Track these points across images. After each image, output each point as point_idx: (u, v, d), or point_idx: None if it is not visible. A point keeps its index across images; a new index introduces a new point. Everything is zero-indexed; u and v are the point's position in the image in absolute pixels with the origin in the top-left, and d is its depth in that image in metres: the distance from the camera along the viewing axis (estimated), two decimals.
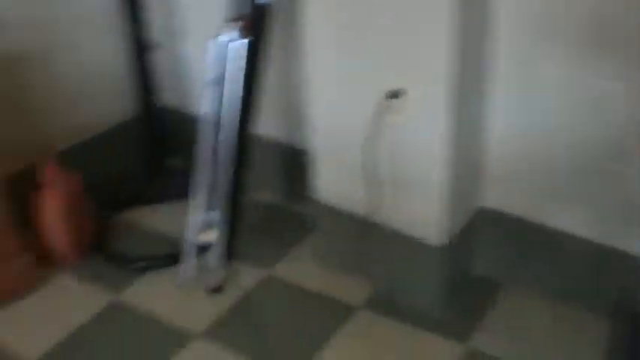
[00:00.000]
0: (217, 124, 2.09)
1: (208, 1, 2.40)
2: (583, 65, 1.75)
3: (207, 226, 2.18)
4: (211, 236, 2.18)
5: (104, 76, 2.66)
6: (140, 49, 2.56)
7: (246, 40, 2.00)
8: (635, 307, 1.86)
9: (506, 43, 1.85)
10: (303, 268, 2.26)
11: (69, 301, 2.20)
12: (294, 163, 2.42)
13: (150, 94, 2.63)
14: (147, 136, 2.70)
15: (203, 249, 2.21)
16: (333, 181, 2.11)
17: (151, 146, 2.72)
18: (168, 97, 2.76)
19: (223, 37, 2.02)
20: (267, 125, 2.36)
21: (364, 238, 2.10)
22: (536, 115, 1.88)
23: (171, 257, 2.28)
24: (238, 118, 2.07)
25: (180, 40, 2.69)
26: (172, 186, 2.63)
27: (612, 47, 1.70)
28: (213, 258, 2.20)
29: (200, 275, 2.20)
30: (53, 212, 2.29)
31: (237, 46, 2.00)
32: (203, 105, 2.10)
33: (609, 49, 1.70)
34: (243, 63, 2.00)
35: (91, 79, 2.61)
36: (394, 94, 1.84)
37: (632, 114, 1.73)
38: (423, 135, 1.84)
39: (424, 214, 1.95)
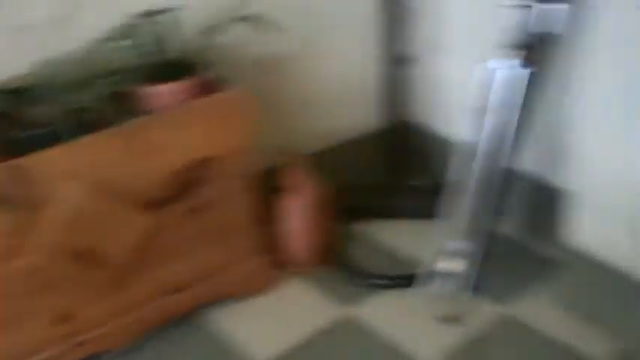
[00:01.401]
0: (479, 153, 2.01)
1: (478, 21, 2.31)
2: None
3: (455, 254, 2.10)
4: (457, 265, 2.11)
5: (356, 85, 2.65)
6: (396, 61, 2.53)
7: (528, 71, 1.90)
8: None
9: None
10: (544, 312, 2.13)
11: (300, 308, 2.21)
12: (546, 201, 2.29)
13: (399, 108, 2.60)
14: (391, 150, 2.67)
15: (444, 276, 2.14)
16: (593, 227, 1.96)
17: (395, 161, 2.69)
18: (418, 113, 2.71)
19: (495, 63, 1.93)
20: (525, 159, 2.25)
21: (620, 292, 1.93)
22: None
23: (407, 279, 2.24)
24: (505, 151, 1.98)
25: (439, 56, 2.62)
26: (413, 204, 2.57)
27: None
28: (456, 288, 2.13)
29: (436, 303, 2.14)
30: (294, 215, 2.31)
31: (518, 75, 1.90)
32: (468, 131, 2.03)
33: None
34: (521, 94, 1.91)
35: (343, 87, 2.62)
36: None
37: None
38: None
39: None
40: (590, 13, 1.77)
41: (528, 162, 2.34)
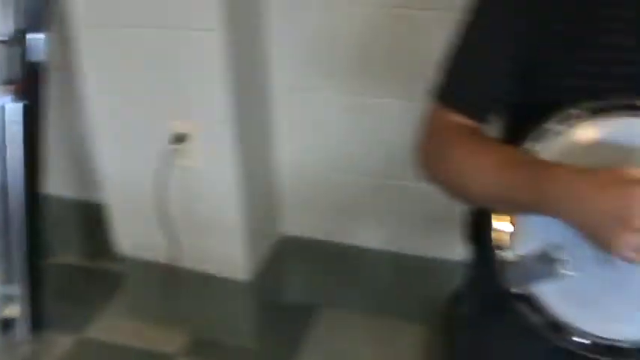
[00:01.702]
0: (3, 190, 1.97)
1: None
2: (354, 90, 1.82)
3: (8, 299, 2.05)
4: (13, 310, 2.05)
5: None
6: None
7: (20, 104, 1.90)
8: (443, 308, 1.94)
9: (284, 77, 1.89)
10: (116, 326, 2.18)
11: None
12: (91, 219, 2.33)
13: None
14: None
15: (7, 324, 2.07)
16: (131, 233, 2.05)
17: None
18: None
19: None
20: (58, 184, 2.26)
21: (172, 285, 2.06)
22: (320, 140, 1.93)
23: None
24: (24, 182, 1.96)
25: None
26: None
27: (375, 71, 1.78)
28: (19, 332, 2.07)
29: (9, 351, 2.07)
30: None
31: (12, 110, 1.90)
32: None
33: (374, 73, 1.78)
34: (20, 127, 1.90)
35: None
36: (179, 139, 1.82)
37: (403, 131, 1.81)
38: (213, 176, 1.83)
39: (226, 252, 1.94)
40: (75, 40, 1.84)
41: (64, 186, 2.36)
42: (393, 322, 2.03)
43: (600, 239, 0.89)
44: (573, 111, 0.98)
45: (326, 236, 2.07)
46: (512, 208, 0.98)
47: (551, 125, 0.99)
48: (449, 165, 1.03)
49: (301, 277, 2.15)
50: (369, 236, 2.03)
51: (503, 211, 1.01)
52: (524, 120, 1.01)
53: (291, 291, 2.18)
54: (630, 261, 0.89)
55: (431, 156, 1.07)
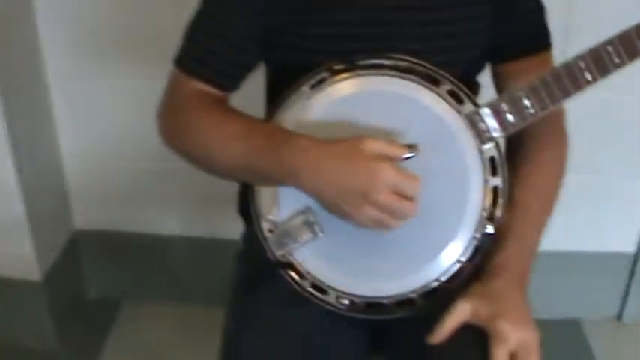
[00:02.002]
0: None
1: None
2: (130, 73, 1.78)
3: None
4: None
5: None
6: None
7: None
8: None
9: (58, 65, 1.81)
10: None
11: None
12: None
13: None
14: None
15: None
16: None
17: None
18: None
19: None
20: None
21: None
22: (104, 128, 1.88)
23: None
24: None
25: None
26: None
27: (150, 52, 1.75)
28: None
29: None
30: None
31: None
32: None
33: (148, 54, 1.75)
34: None
35: None
36: None
37: None
38: None
39: (13, 253, 1.84)
40: None
41: None
42: (196, 308, 2.01)
43: (340, 211, 0.91)
44: (323, 73, 1.00)
45: (121, 226, 2.02)
46: (256, 178, 0.99)
47: (303, 88, 1.00)
48: (191, 135, 1.02)
49: (100, 271, 2.09)
50: (164, 222, 2.00)
51: (248, 181, 1.02)
52: (282, 83, 1.02)
53: (91, 286, 2.11)
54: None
55: (172, 125, 1.06)
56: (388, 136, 0.96)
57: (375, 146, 0.89)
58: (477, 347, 0.96)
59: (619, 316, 2.09)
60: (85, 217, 2.03)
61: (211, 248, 2.00)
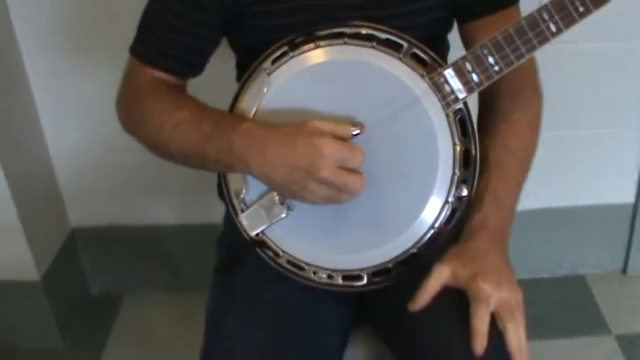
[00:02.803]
0: None
1: None
2: (110, 66, 1.76)
3: None
4: None
5: None
6: None
7: None
8: None
9: (37, 64, 1.81)
10: None
11: None
12: None
13: None
14: None
15: None
16: None
17: None
18: None
19: None
20: None
21: None
22: (90, 123, 1.87)
23: None
24: None
25: None
26: None
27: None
28: None
29: None
30: None
31: None
32: None
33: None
34: None
35: None
36: None
37: None
38: None
39: (10, 255, 1.84)
40: None
41: None
42: (197, 297, 2.01)
43: (291, 192, 0.91)
44: (283, 47, 0.99)
45: (117, 220, 2.02)
46: (209, 165, 0.99)
47: (265, 64, 1.00)
48: (146, 123, 1.03)
49: (99, 266, 2.09)
50: (160, 213, 2.00)
51: (203, 168, 1.01)
52: (248, 64, 1.01)
53: (92, 282, 2.12)
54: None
55: (129, 113, 1.07)
56: (346, 110, 0.94)
57: (320, 125, 0.89)
58: (457, 310, 0.95)
59: (624, 270, 2.07)
60: (80, 214, 2.03)
61: (210, 235, 1.99)
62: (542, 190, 1.94)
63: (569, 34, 0.97)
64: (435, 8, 1.07)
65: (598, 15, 0.96)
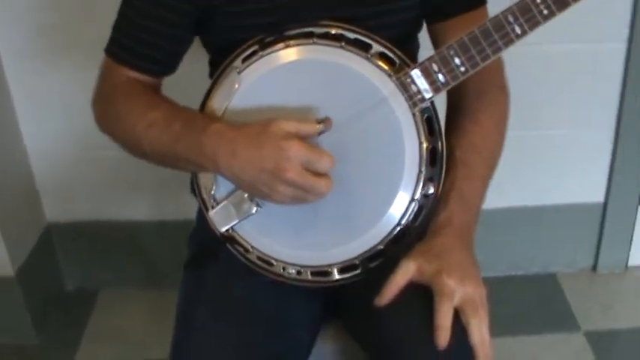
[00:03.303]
0: None
1: None
2: (84, 65, 1.77)
3: None
4: None
5: None
6: None
7: None
8: None
9: (12, 62, 1.81)
10: None
11: None
12: None
13: None
14: None
15: None
16: None
17: None
18: None
19: None
20: None
21: None
22: (66, 120, 1.87)
23: None
24: None
25: None
26: None
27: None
28: None
29: None
30: None
31: None
32: None
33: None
34: None
35: None
36: None
37: None
38: None
39: None
40: None
41: None
42: (172, 293, 2.01)
43: (258, 192, 0.93)
44: (253, 47, 1.00)
45: (92, 216, 2.02)
46: (181, 164, 1.00)
47: (235, 63, 1.01)
48: (120, 122, 1.04)
49: (75, 262, 2.09)
50: (136, 208, 2.01)
51: (175, 168, 1.02)
52: (222, 61, 1.02)
53: (67, 278, 2.12)
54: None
55: (104, 113, 1.08)
56: (314, 108, 0.96)
57: (285, 126, 0.90)
58: (423, 306, 0.97)
59: (594, 267, 2.10)
60: (56, 209, 2.03)
61: (185, 231, 2.00)
62: (515, 189, 1.97)
63: (535, 36, 0.99)
64: (406, 8, 1.09)
65: (564, 17, 0.98)
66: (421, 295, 0.97)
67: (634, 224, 2.02)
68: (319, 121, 0.94)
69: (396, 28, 1.07)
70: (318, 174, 0.90)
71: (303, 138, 0.91)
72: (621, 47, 1.81)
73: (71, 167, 1.96)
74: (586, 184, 1.99)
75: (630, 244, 2.05)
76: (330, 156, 0.90)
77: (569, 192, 2.00)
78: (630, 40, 1.79)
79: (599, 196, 2.01)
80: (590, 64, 1.83)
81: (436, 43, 1.14)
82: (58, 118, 1.90)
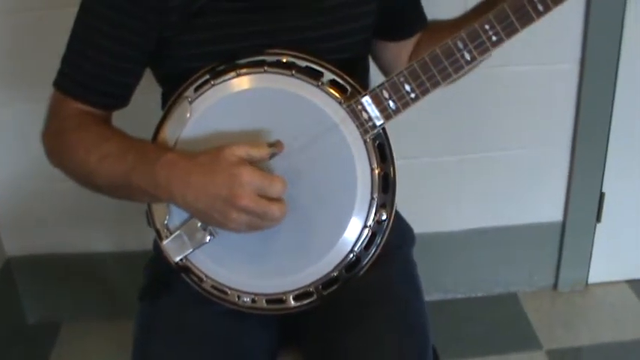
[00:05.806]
0: None
1: None
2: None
3: None
4: None
5: None
6: None
7: None
8: None
9: None
10: None
11: None
12: None
13: None
14: None
15: None
16: None
17: None
18: None
19: None
20: None
21: None
22: (26, 151, 1.85)
23: None
24: None
25: None
26: None
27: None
28: None
29: None
30: None
31: None
32: None
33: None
34: None
35: None
36: None
37: None
38: None
39: None
40: None
41: None
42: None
43: (213, 220, 0.93)
44: (205, 76, 1.00)
45: (53, 249, 2.00)
46: (135, 196, 1.00)
47: (187, 93, 1.02)
48: (72, 155, 1.03)
49: (36, 295, 2.06)
50: (96, 241, 1.99)
51: (129, 199, 1.02)
52: (174, 92, 1.02)
53: (29, 312, 2.09)
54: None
55: (55, 146, 1.07)
56: (265, 135, 0.96)
57: (236, 151, 0.91)
58: (379, 333, 0.97)
59: (555, 286, 2.12)
60: (15, 243, 2.00)
61: (146, 261, 1.99)
62: (475, 210, 1.99)
63: (497, 58, 1.01)
64: (365, 29, 1.10)
65: (520, 40, 1.00)
66: (379, 321, 0.98)
67: (592, 242, 2.05)
68: (270, 145, 0.94)
69: (347, 51, 1.08)
70: (272, 199, 0.90)
71: (255, 162, 0.91)
72: (574, 68, 1.84)
73: (30, 200, 1.94)
74: (544, 204, 2.02)
75: (590, 261, 2.08)
76: (282, 180, 0.91)
77: (528, 212, 2.02)
78: (582, 61, 1.82)
79: (557, 215, 2.03)
80: (546, 85, 1.87)
81: (383, 66, 1.16)
82: (17, 150, 1.87)
